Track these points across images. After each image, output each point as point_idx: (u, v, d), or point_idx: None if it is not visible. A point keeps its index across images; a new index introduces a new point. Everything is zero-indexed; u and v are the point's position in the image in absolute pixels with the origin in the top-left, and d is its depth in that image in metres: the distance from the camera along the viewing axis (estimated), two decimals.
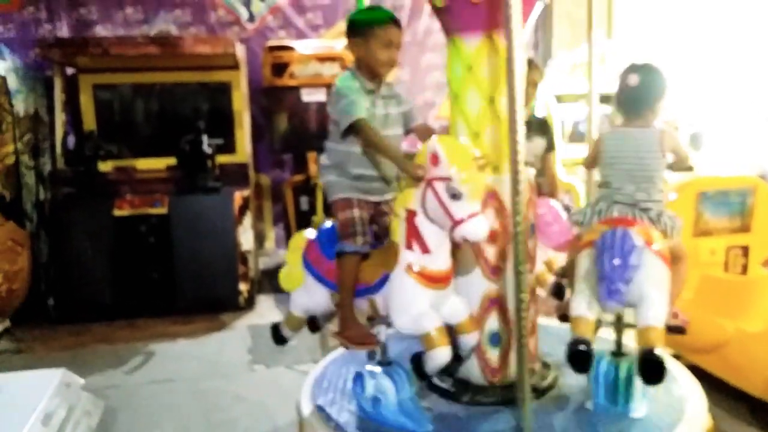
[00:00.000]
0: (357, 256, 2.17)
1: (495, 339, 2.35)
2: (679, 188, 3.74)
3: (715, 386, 3.02)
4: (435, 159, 1.95)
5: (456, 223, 1.93)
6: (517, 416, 2.11)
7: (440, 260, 2.06)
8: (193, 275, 4.96)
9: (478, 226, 1.93)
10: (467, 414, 2.26)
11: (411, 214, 2.03)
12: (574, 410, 2.25)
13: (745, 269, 3.78)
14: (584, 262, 2.20)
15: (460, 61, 2.33)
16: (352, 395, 2.32)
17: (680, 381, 2.43)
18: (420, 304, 2.05)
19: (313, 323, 2.50)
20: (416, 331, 2.05)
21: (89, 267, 4.87)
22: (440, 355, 2.03)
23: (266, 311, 5.13)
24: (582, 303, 2.14)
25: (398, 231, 2.07)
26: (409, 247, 2.05)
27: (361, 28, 2.27)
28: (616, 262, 2.04)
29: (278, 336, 2.54)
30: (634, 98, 2.31)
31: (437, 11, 2.40)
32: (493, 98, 2.30)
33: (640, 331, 2.04)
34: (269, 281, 5.98)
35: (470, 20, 2.27)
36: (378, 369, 2.26)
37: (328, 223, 2.36)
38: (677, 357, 3.02)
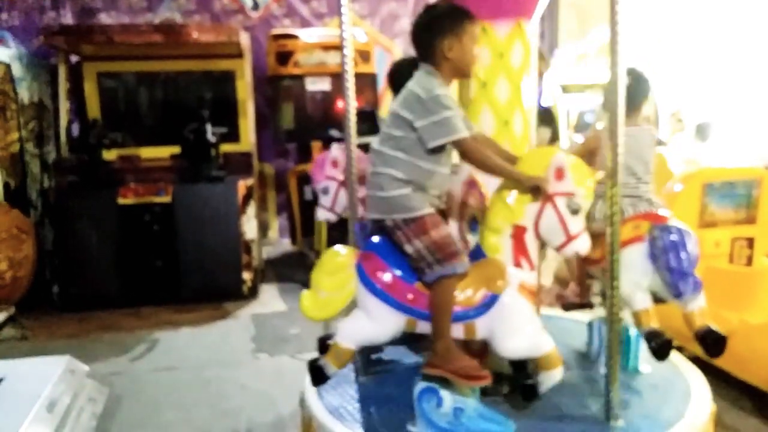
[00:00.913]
0: (459, 278, 1.97)
1: None
2: (685, 179, 3.73)
3: (719, 378, 3.02)
4: (560, 173, 1.90)
5: (570, 239, 1.92)
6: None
7: (533, 277, 2.03)
8: (197, 264, 4.97)
9: (587, 241, 1.95)
10: (514, 403, 2.17)
11: (520, 230, 1.97)
12: (579, 399, 2.25)
13: (750, 261, 3.77)
14: (634, 257, 2.27)
15: (490, 49, 2.32)
16: (419, 414, 1.99)
17: (684, 373, 2.43)
18: (536, 324, 1.99)
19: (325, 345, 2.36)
20: (532, 353, 1.98)
21: (94, 255, 4.89)
22: (558, 375, 2.00)
23: (269, 300, 5.15)
24: (645, 296, 2.30)
25: (500, 248, 1.98)
26: (518, 264, 1.98)
27: (453, 23, 2.03)
28: (685, 256, 2.22)
29: (320, 375, 2.11)
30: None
31: None
32: (519, 86, 2.35)
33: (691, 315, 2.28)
34: (273, 270, 6.00)
35: (504, 6, 2.28)
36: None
37: (376, 239, 2.10)
38: (680, 349, 3.01)
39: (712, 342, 2.22)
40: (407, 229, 2.00)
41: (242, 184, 5.20)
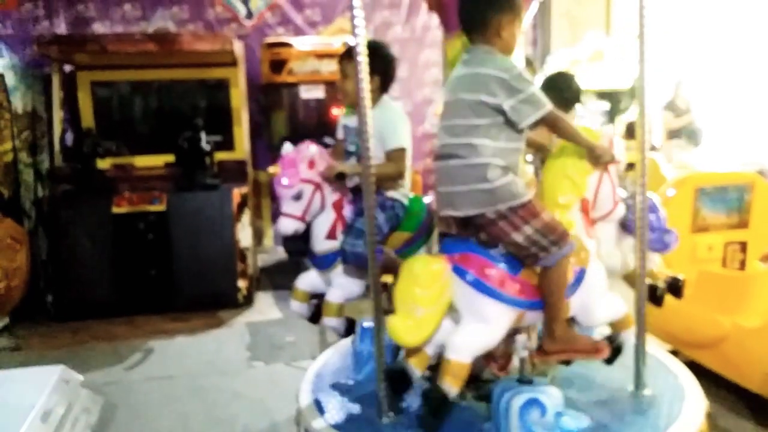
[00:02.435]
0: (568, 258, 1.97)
1: None
2: (678, 184, 3.75)
3: (712, 382, 3.03)
4: (611, 144, 2.07)
5: (615, 204, 2.14)
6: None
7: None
8: (192, 272, 4.96)
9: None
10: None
11: (585, 202, 2.08)
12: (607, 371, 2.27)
13: (743, 265, 3.79)
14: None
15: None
16: (521, 429, 1.89)
17: (678, 376, 2.44)
18: (608, 289, 2.15)
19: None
20: (616, 316, 2.14)
21: (88, 264, 4.87)
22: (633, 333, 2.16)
23: (265, 308, 5.13)
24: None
25: (573, 223, 2.02)
26: (590, 236, 2.10)
27: (515, 2, 1.98)
28: (663, 215, 2.47)
29: (442, 407, 1.91)
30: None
31: (441, 8, 2.41)
32: None
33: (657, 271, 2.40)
34: (268, 278, 5.99)
35: None
36: (550, 388, 1.96)
37: (450, 239, 2.03)
38: (675, 353, 3.02)
39: (678, 287, 2.54)
40: (515, 216, 1.90)
41: (237, 192, 5.19)
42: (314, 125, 6.17)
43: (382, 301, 2.05)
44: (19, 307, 4.69)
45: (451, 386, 1.88)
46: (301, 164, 2.41)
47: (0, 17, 6.33)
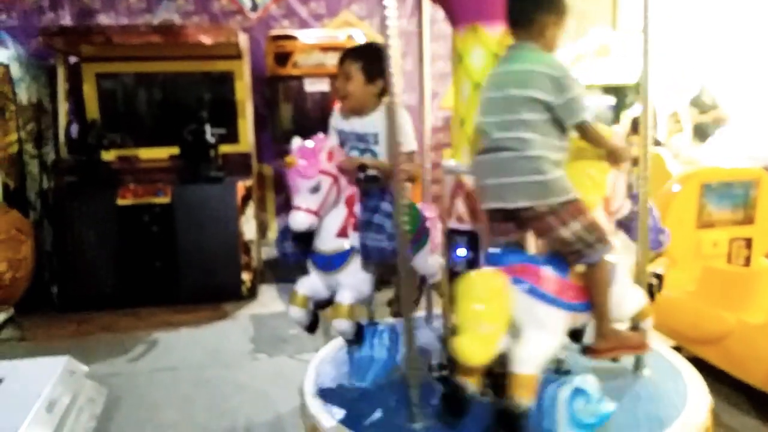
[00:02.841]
0: None
1: None
2: (683, 180, 3.74)
3: (716, 378, 3.02)
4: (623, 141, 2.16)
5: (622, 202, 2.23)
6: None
7: None
8: (196, 264, 4.97)
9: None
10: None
11: (606, 200, 2.13)
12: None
13: (748, 261, 3.78)
14: None
15: (484, 49, 2.33)
16: (567, 419, 1.93)
17: (682, 372, 2.44)
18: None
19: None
20: (639, 306, 2.22)
21: (93, 256, 4.89)
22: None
23: (268, 301, 5.15)
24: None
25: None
26: (613, 233, 2.17)
27: (561, 5, 2.08)
28: (656, 214, 2.46)
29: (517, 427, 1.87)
30: None
31: (446, 1, 2.41)
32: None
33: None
34: (272, 271, 6.00)
35: (493, 10, 2.27)
36: (589, 376, 2.02)
37: (497, 249, 2.07)
38: (678, 349, 3.02)
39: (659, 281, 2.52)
40: (564, 212, 1.93)
41: (241, 185, 5.20)
42: (319, 118, 6.15)
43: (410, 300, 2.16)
44: (25, 298, 4.71)
45: (523, 399, 1.87)
46: (321, 154, 2.21)
47: (5, 8, 6.32)
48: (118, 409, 3.29)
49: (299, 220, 2.16)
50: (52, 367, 3.01)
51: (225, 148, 5.36)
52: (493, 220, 2.12)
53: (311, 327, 2.49)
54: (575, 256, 1.95)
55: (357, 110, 2.36)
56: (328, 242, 2.30)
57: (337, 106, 2.51)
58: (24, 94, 5.24)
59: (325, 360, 2.71)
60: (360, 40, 6.10)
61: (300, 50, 6.00)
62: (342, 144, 2.41)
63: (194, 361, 3.91)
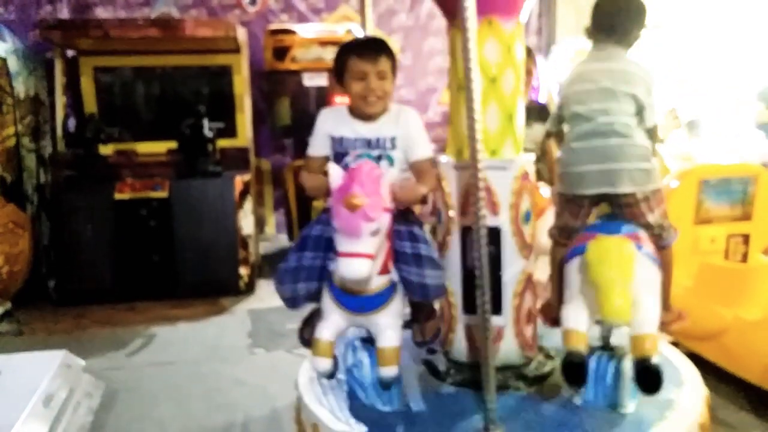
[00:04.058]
0: None
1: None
2: (681, 176, 3.74)
3: (713, 373, 3.03)
4: None
5: None
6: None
7: None
8: (194, 259, 4.97)
9: None
10: (450, 393, 2.34)
11: None
12: (565, 401, 2.26)
13: (745, 257, 3.78)
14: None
15: (500, 42, 2.33)
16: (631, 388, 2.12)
17: (678, 368, 2.44)
18: None
19: None
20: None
21: (90, 250, 4.88)
22: None
23: (266, 295, 5.14)
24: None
25: None
26: None
27: (646, 19, 2.33)
28: None
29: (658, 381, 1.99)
30: None
31: None
32: (521, 80, 2.43)
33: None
34: (270, 266, 5.99)
35: (504, 4, 2.32)
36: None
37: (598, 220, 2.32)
38: (675, 344, 3.03)
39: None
40: (654, 199, 2.22)
41: (239, 180, 5.19)
42: (317, 113, 6.14)
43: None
44: (22, 292, 4.71)
45: (656, 355, 2.02)
46: (383, 189, 1.93)
47: (3, 1, 6.30)
48: (116, 403, 3.29)
49: (362, 270, 1.86)
50: (49, 361, 3.01)
51: (223, 143, 5.35)
52: (580, 205, 2.29)
53: (333, 374, 2.23)
54: (655, 239, 2.22)
55: (373, 114, 2.16)
56: (372, 281, 2.02)
57: (332, 110, 2.30)
58: (21, 87, 5.22)
59: None
60: (358, 34, 6.08)
61: (298, 44, 5.99)
62: (340, 153, 2.18)
63: (192, 356, 3.92)
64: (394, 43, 6.90)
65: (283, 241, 6.74)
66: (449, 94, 2.53)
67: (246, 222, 5.31)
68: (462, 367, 2.45)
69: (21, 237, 4.60)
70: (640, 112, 2.21)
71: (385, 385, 2.14)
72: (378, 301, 2.06)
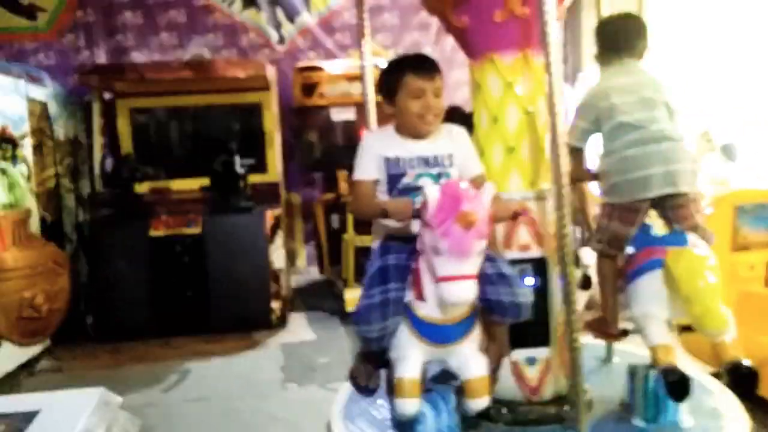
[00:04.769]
0: None
1: (531, 359, 2.36)
2: (716, 202, 3.66)
3: (757, 405, 2.93)
4: None
5: None
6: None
7: None
8: (227, 294, 5.02)
9: None
10: None
11: None
12: (618, 423, 2.24)
13: None
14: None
15: (499, 78, 2.37)
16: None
17: (720, 399, 2.37)
18: None
19: None
20: None
21: (126, 286, 4.98)
22: None
23: (298, 329, 5.16)
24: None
25: None
26: None
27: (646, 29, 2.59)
28: None
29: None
30: None
31: (460, 32, 2.44)
32: (529, 112, 2.41)
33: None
34: (301, 299, 6.02)
35: (508, 38, 2.35)
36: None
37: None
38: (717, 375, 2.93)
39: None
40: (698, 200, 2.39)
41: (270, 214, 5.26)
42: (345, 146, 6.22)
43: None
44: (61, 329, 4.81)
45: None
46: (487, 206, 1.79)
47: (43, 48, 6.58)
48: None
49: (470, 292, 1.75)
50: (88, 398, 3.04)
51: (254, 178, 5.45)
52: (636, 211, 2.35)
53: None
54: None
55: (428, 132, 2.09)
56: (453, 308, 1.87)
57: (377, 131, 2.24)
58: (61, 130, 5.42)
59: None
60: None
61: (326, 80, 6.11)
62: (395, 174, 2.05)
63: (225, 391, 3.93)
64: None
65: (314, 274, 6.77)
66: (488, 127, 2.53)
67: (277, 256, 5.37)
68: (512, 405, 2.35)
69: (60, 275, 4.71)
70: (671, 117, 2.35)
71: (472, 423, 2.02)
72: (463, 329, 1.92)
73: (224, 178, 5.18)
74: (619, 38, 2.50)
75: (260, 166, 5.67)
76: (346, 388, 2.72)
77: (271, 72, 5.60)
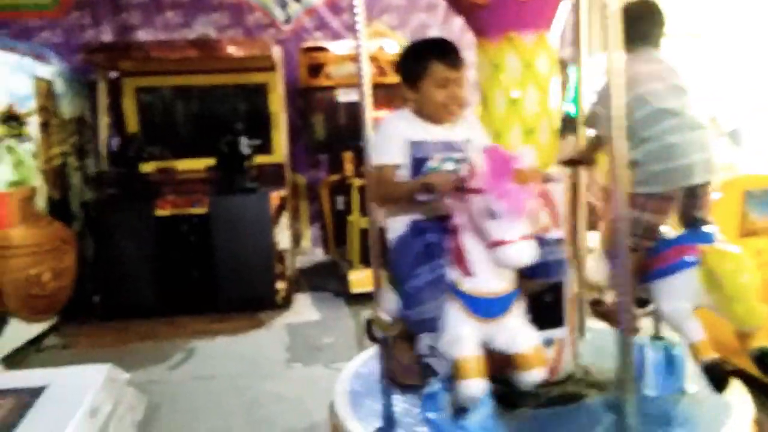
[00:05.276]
0: None
1: (548, 340, 2.37)
2: (724, 187, 3.64)
3: (761, 389, 2.93)
4: None
5: None
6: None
7: None
8: (232, 274, 5.05)
9: None
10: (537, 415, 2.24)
11: None
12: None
13: None
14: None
15: (519, 58, 2.36)
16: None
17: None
18: None
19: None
20: None
21: (132, 265, 5.01)
22: None
23: (303, 309, 5.19)
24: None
25: None
26: None
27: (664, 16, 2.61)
28: None
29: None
30: None
31: (470, 11, 2.41)
32: (546, 94, 2.42)
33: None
34: (306, 280, 6.05)
35: (526, 19, 2.33)
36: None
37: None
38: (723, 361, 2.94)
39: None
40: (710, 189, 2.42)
41: (275, 195, 5.27)
42: (351, 128, 6.20)
43: None
44: (68, 307, 4.84)
45: None
46: (532, 167, 1.85)
47: (48, 26, 6.54)
48: (158, 416, 3.35)
49: (531, 251, 1.74)
50: (95, 374, 3.08)
51: (260, 159, 5.44)
52: (673, 199, 2.38)
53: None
54: None
55: (449, 121, 2.09)
56: (501, 279, 1.86)
57: (399, 114, 2.11)
58: (67, 108, 5.41)
59: (357, 369, 2.72)
60: (391, 49, 6.14)
61: (332, 61, 6.07)
62: (419, 158, 2.04)
63: (231, 370, 3.97)
64: None
65: (318, 255, 6.79)
66: (481, 109, 2.53)
67: (282, 237, 5.38)
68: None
69: (67, 253, 4.73)
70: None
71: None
72: (510, 300, 1.89)
73: (230, 158, 5.18)
74: (641, 26, 2.45)
75: (266, 147, 5.66)
76: (350, 367, 2.74)
77: (276, 52, 5.56)
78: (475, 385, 1.81)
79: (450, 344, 1.87)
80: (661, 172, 2.33)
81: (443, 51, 2.03)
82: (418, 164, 2.04)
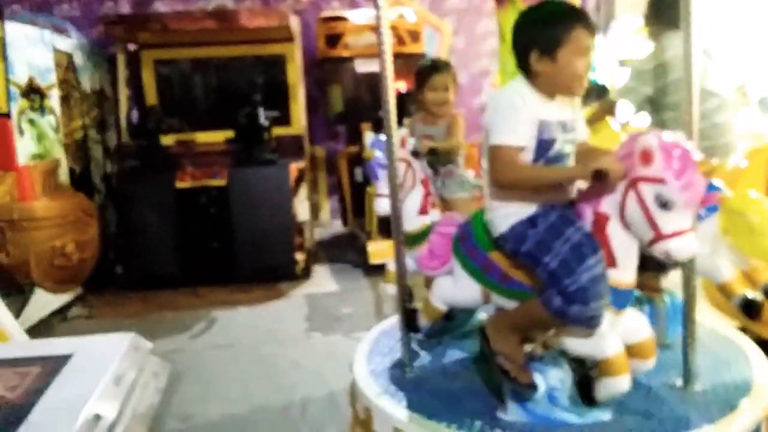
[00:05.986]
0: None
1: None
2: (750, 155, 3.56)
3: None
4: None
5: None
6: None
7: None
8: (252, 245, 5.09)
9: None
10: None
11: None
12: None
13: None
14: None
15: None
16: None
17: (747, 354, 2.35)
18: None
19: None
20: None
21: (154, 237, 5.07)
22: None
23: (322, 280, 5.22)
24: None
25: None
26: None
27: None
28: None
29: None
30: None
31: None
32: None
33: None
34: (325, 251, 6.07)
35: None
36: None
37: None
38: (744, 329, 2.90)
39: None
40: None
41: (294, 167, 5.27)
42: (370, 99, 6.16)
43: None
44: (91, 277, 4.94)
45: None
46: None
47: None
48: (181, 384, 3.42)
49: (696, 243, 1.69)
50: (119, 343, 3.15)
51: (278, 131, 5.43)
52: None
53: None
54: None
55: (577, 95, 1.90)
56: (634, 270, 1.80)
57: (520, 86, 1.83)
58: (87, 81, 5.44)
59: (377, 338, 2.72)
60: (410, 18, 6.05)
61: (350, 31, 5.99)
62: (546, 140, 1.79)
63: (251, 339, 4.02)
64: (446, 25, 6.83)
65: (337, 226, 6.82)
66: (500, 75, 2.49)
67: (301, 208, 5.40)
68: None
69: (90, 225, 4.80)
70: None
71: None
72: (634, 291, 1.84)
73: (248, 130, 5.18)
74: (672, 10, 2.46)
75: (284, 119, 5.65)
76: (370, 335, 2.75)
77: (294, 22, 5.51)
78: (623, 382, 1.79)
79: (596, 342, 1.79)
80: (704, 149, 2.38)
81: (584, 16, 1.79)
82: (544, 147, 1.79)
